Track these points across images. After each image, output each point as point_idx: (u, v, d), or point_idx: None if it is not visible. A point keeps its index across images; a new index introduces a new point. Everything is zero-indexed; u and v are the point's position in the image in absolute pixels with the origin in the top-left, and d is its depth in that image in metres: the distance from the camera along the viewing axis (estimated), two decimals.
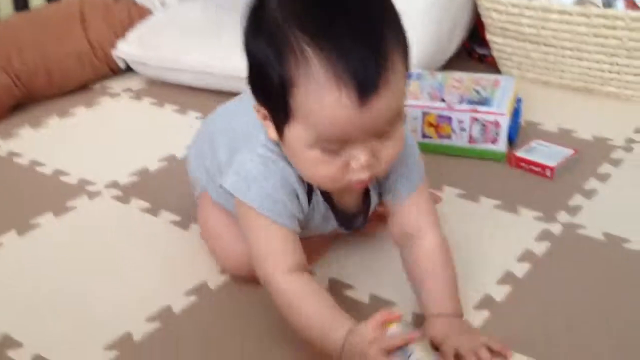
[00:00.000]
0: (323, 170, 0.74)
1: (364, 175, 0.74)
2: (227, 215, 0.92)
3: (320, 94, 0.68)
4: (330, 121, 0.70)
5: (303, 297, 0.77)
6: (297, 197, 0.81)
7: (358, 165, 0.73)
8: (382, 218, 0.92)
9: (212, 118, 1.02)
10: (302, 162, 0.76)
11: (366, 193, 0.87)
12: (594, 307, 0.87)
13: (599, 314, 0.85)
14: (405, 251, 0.86)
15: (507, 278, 0.91)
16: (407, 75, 0.75)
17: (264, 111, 0.76)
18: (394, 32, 0.72)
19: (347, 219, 0.88)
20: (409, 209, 0.86)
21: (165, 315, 0.87)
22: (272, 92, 0.71)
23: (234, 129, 0.90)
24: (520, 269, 0.93)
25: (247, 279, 0.89)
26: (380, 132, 0.73)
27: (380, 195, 0.88)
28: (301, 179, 0.80)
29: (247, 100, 0.84)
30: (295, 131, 0.73)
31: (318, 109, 0.69)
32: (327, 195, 0.84)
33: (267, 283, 0.79)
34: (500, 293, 0.89)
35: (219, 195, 0.92)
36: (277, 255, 0.79)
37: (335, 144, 0.72)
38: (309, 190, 0.82)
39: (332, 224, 0.88)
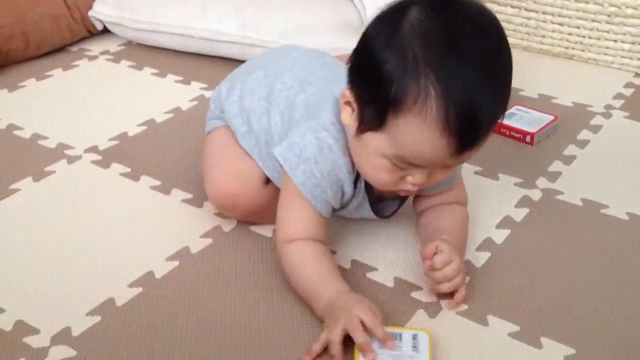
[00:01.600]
0: (383, 177, 0.77)
1: (414, 189, 0.78)
2: (228, 149, 0.94)
3: (424, 129, 0.69)
4: (419, 154, 0.72)
5: (307, 259, 0.81)
6: (342, 188, 0.83)
7: (415, 182, 0.77)
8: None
9: (282, 63, 0.96)
10: (366, 162, 0.78)
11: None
12: (572, 273, 0.88)
13: (577, 280, 0.87)
14: (429, 209, 0.91)
15: (487, 244, 0.93)
16: None
17: (351, 101, 0.75)
18: (508, 93, 0.74)
19: (380, 208, 0.89)
20: (445, 197, 0.90)
21: (147, 280, 0.87)
22: (378, 99, 0.71)
23: (299, 97, 0.88)
24: (500, 235, 0.94)
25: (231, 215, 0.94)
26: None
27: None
28: (352, 170, 0.82)
29: (327, 70, 0.88)
30: (378, 140, 0.74)
31: (413, 140, 0.71)
32: (369, 188, 0.85)
33: (280, 247, 0.84)
34: (479, 259, 0.90)
35: (245, 138, 0.93)
36: (299, 229, 0.83)
37: (407, 165, 0.74)
38: (356, 180, 0.84)
39: (364, 213, 0.89)
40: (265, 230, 0.95)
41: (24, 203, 1.02)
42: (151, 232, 0.95)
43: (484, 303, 0.83)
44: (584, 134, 1.18)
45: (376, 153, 0.75)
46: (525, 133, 1.15)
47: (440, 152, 0.71)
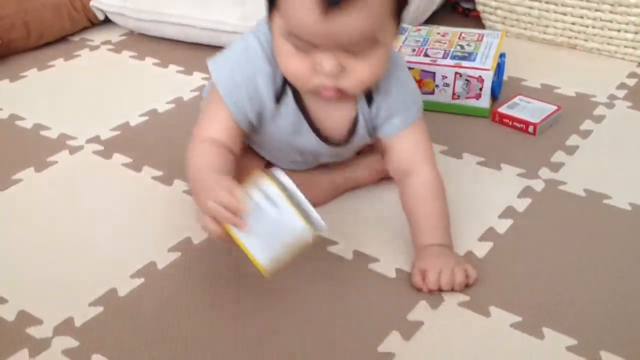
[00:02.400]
0: (293, 64, 0.79)
1: (328, 82, 0.78)
2: None
3: None
4: (298, 22, 0.75)
5: (206, 158, 0.82)
6: (261, 98, 0.84)
7: (322, 70, 0.77)
8: (385, 172, 0.95)
9: None
10: (278, 52, 0.81)
11: (355, 123, 0.89)
12: (574, 264, 0.88)
13: (579, 271, 0.87)
14: (401, 186, 0.90)
15: (489, 234, 0.93)
16: (397, 14, 0.79)
17: None
18: None
19: (326, 132, 0.89)
20: (403, 146, 0.89)
21: (149, 271, 0.87)
22: None
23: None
24: (502, 225, 0.94)
25: None
26: (346, 48, 0.76)
27: (373, 129, 0.90)
28: (275, 80, 0.84)
29: None
30: (276, 19, 0.79)
31: (290, 6, 0.75)
32: (301, 104, 0.86)
33: (191, 142, 0.86)
34: (482, 249, 0.90)
35: None
36: (211, 129, 0.85)
37: (303, 43, 0.77)
38: (281, 92, 0.85)
39: (309, 139, 0.88)
40: None
41: (26, 193, 1.02)
42: (153, 222, 0.96)
43: (486, 294, 0.83)
44: (587, 124, 1.17)
45: (279, 36, 0.79)
46: (527, 123, 1.14)
47: (312, 16, 0.73)
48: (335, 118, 0.88)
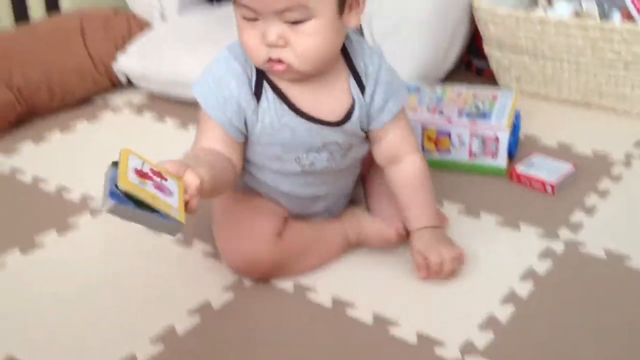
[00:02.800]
0: (246, 36, 0.86)
1: (274, 54, 0.85)
2: (232, 206, 0.97)
3: None
4: None
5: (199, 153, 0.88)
6: (238, 99, 0.89)
7: (267, 41, 0.84)
8: (402, 236, 0.98)
9: None
10: (238, 29, 0.87)
11: (351, 109, 0.93)
12: (598, 327, 0.87)
13: (603, 333, 0.86)
14: (390, 173, 0.98)
15: (511, 298, 0.92)
16: None
17: None
18: None
19: (320, 121, 0.91)
20: (393, 136, 0.96)
21: (168, 336, 0.87)
22: None
23: None
24: (524, 288, 0.94)
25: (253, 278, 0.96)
26: (284, 17, 0.83)
27: (368, 119, 0.94)
28: (250, 79, 0.89)
29: None
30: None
31: None
32: (281, 94, 0.90)
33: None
34: (504, 313, 0.89)
35: None
36: (208, 143, 0.90)
37: (247, 11, 0.84)
38: (259, 88, 0.89)
39: (297, 125, 0.90)
40: (286, 285, 0.95)
41: (48, 256, 1.03)
42: (173, 285, 0.96)
43: (510, 359, 0.82)
44: (605, 183, 1.17)
45: (236, 12, 0.86)
46: (545, 182, 1.15)
47: None
48: (327, 105, 0.92)
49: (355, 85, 0.92)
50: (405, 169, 0.97)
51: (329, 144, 0.93)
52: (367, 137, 0.97)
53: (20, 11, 1.68)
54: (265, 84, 0.90)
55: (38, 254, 1.03)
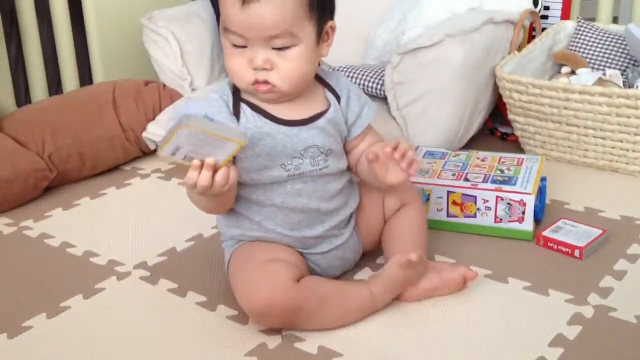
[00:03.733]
0: (233, 61, 0.96)
1: (260, 77, 0.95)
2: (246, 259, 1.00)
3: None
4: (226, 15, 0.94)
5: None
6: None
7: (255, 64, 0.94)
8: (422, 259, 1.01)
9: None
10: (225, 54, 0.98)
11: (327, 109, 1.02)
12: None
13: None
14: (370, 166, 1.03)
15: None
16: (311, 11, 0.94)
17: None
18: None
19: (295, 124, 1.00)
20: (367, 142, 1.07)
21: None
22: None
23: None
24: (554, 354, 0.91)
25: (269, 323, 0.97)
26: (272, 43, 0.93)
27: (349, 126, 1.05)
28: (227, 103, 0.99)
29: None
30: (221, 23, 0.97)
31: (222, 4, 0.95)
32: (258, 108, 0.99)
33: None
34: None
35: None
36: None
37: (236, 38, 0.94)
38: (237, 109, 0.99)
39: (274, 131, 0.98)
40: (310, 347, 0.94)
41: (74, 320, 1.03)
42: (196, 349, 0.95)
43: None
44: (633, 248, 1.15)
45: (223, 38, 0.96)
46: (573, 247, 1.13)
47: (235, 7, 0.92)
48: (305, 110, 1.01)
49: (331, 95, 1.04)
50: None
51: (309, 148, 1.00)
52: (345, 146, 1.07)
53: (54, 85, 1.75)
54: (242, 104, 1.00)
55: (64, 318, 1.04)
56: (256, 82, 0.96)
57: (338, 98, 1.04)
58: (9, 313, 1.05)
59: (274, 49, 0.94)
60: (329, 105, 1.03)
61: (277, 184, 1.00)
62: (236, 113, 0.99)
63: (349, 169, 1.09)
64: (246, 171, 1.00)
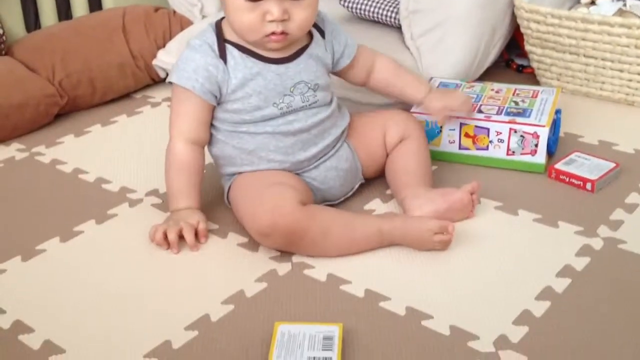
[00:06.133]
0: (245, 17, 0.95)
1: (277, 28, 0.95)
2: (249, 185, 1.03)
3: None
4: None
5: (176, 170, 1.04)
6: (206, 63, 0.99)
7: (272, 17, 0.94)
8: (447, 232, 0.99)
9: None
10: (231, 11, 0.96)
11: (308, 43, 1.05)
12: (635, 324, 0.85)
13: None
14: (372, 80, 1.16)
15: (547, 293, 0.91)
16: None
17: None
18: None
19: (283, 62, 1.02)
20: (361, 54, 1.13)
21: (203, 323, 0.88)
22: None
23: None
24: (561, 284, 0.92)
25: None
26: None
27: (337, 57, 1.10)
28: (212, 48, 1.00)
29: None
30: None
31: None
32: (244, 49, 1.01)
33: (169, 141, 1.05)
34: (539, 308, 0.88)
35: None
36: (182, 128, 1.03)
37: None
38: (223, 51, 1.00)
39: (272, 78, 1.01)
40: (319, 274, 0.95)
41: (88, 245, 1.05)
42: (207, 275, 0.97)
43: (543, 355, 0.81)
44: None
45: None
46: (585, 180, 1.13)
47: None
48: (289, 48, 1.02)
49: (315, 31, 1.06)
50: (383, 62, 1.15)
51: (298, 85, 1.02)
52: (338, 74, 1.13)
53: (63, 11, 1.72)
54: (228, 46, 1.01)
55: (77, 242, 1.05)
56: (272, 34, 0.96)
57: (322, 33, 1.07)
58: (22, 237, 1.07)
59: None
60: (311, 39, 1.05)
61: (270, 119, 1.03)
62: (222, 56, 1.00)
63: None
64: (238, 112, 1.02)
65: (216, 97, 1.01)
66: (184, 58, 1.01)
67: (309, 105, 1.04)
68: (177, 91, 1.02)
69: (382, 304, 0.90)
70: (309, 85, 1.03)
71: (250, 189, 1.01)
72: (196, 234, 1.01)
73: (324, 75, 1.07)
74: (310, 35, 1.05)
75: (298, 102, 1.03)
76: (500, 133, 1.18)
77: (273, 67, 1.01)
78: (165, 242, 1.01)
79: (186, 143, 1.03)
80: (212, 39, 1.01)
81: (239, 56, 1.00)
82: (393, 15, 1.47)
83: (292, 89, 1.02)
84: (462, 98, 1.17)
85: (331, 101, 1.08)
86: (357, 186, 1.12)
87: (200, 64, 1.00)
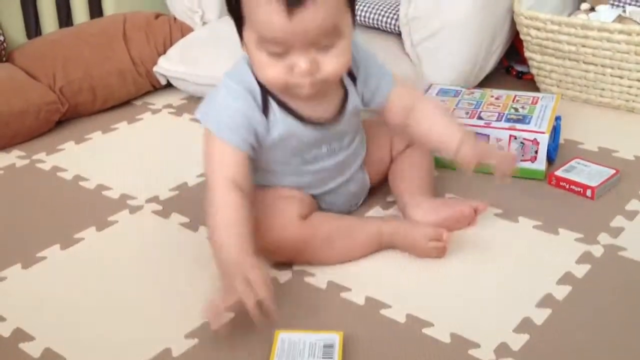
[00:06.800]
0: (270, 71, 0.87)
1: (305, 80, 0.87)
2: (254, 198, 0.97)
3: (257, 1, 0.83)
4: (266, 25, 0.83)
5: (225, 224, 0.89)
6: (247, 115, 0.92)
7: (299, 70, 0.86)
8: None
9: None
10: (255, 65, 0.89)
11: (344, 99, 0.98)
12: (636, 331, 0.85)
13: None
14: (411, 117, 1.02)
15: (547, 301, 0.91)
16: (350, 5, 0.88)
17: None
18: None
19: (324, 125, 0.96)
20: (400, 93, 1.02)
21: (203, 331, 0.88)
22: (232, 2, 0.86)
23: None
24: (561, 292, 0.92)
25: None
26: (316, 44, 0.85)
27: (367, 101, 1.01)
28: (255, 99, 0.92)
29: None
30: (247, 34, 0.87)
31: (257, 12, 0.83)
32: (286, 107, 0.94)
33: (209, 192, 0.92)
34: (540, 316, 0.88)
35: None
36: (223, 172, 0.91)
37: (276, 47, 0.85)
38: (265, 106, 0.93)
39: (304, 131, 0.95)
40: (319, 282, 0.95)
41: (88, 252, 1.05)
42: (208, 283, 0.96)
43: None
44: None
45: (253, 48, 0.87)
46: (585, 187, 1.13)
47: (280, 17, 0.82)
48: (324, 105, 0.96)
49: (347, 77, 0.97)
50: (424, 106, 1.03)
51: (332, 141, 0.99)
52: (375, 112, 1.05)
53: (64, 18, 1.73)
54: (271, 100, 0.93)
55: (77, 250, 1.05)
56: (298, 85, 0.89)
57: (354, 79, 0.98)
58: (23, 244, 1.07)
59: (317, 49, 0.86)
60: (345, 92, 0.98)
61: (292, 165, 1.00)
62: (265, 109, 0.93)
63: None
64: (263, 161, 0.98)
65: (254, 148, 0.95)
66: (223, 104, 0.92)
67: (334, 151, 1.01)
68: (216, 141, 0.93)
69: (382, 311, 0.90)
70: (342, 137, 1.00)
71: (255, 203, 0.98)
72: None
73: (358, 121, 1.03)
74: (344, 86, 0.98)
75: (324, 152, 0.99)
76: (500, 140, 1.18)
77: (310, 129, 0.96)
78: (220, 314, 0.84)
79: (230, 192, 0.91)
80: (253, 85, 0.92)
81: (279, 112, 0.93)
82: (393, 22, 1.47)
83: (321, 145, 0.98)
84: (500, 155, 1.01)
85: (356, 137, 1.04)
86: (361, 201, 1.11)
87: (244, 114, 0.92)
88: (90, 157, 1.33)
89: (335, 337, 0.82)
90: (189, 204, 1.15)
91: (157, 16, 1.62)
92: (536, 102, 1.25)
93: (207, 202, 0.91)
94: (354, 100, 0.98)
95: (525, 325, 0.86)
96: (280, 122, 0.94)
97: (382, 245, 1.00)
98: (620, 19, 1.42)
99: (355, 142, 1.04)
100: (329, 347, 0.81)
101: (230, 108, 0.92)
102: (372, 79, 1.00)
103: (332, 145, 0.99)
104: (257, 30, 0.85)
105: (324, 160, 1.01)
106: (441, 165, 1.21)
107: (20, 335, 0.88)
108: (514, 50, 1.58)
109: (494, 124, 1.19)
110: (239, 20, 0.89)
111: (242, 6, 0.86)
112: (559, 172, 1.16)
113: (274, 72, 0.87)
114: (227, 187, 0.91)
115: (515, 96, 1.28)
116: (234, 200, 0.90)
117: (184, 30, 1.61)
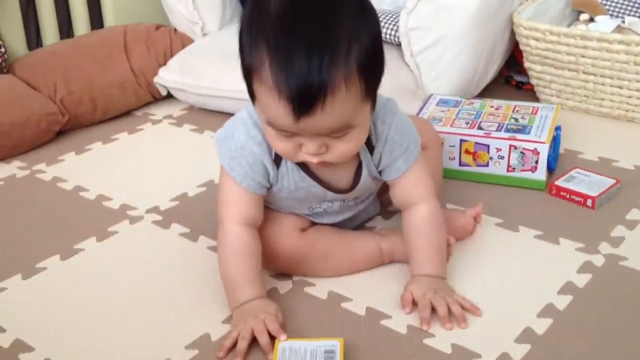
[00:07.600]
0: (279, 146, 0.85)
1: (314, 160, 0.85)
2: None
3: (267, 94, 0.79)
4: (274, 119, 0.81)
5: (236, 254, 0.90)
6: (261, 162, 0.90)
7: (307, 151, 0.84)
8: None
9: None
10: (265, 133, 0.87)
11: (358, 170, 0.94)
12: (638, 340, 0.85)
13: None
14: (404, 216, 0.96)
15: (549, 311, 0.90)
16: (369, 94, 0.82)
17: None
18: (351, 51, 0.78)
19: (331, 183, 0.94)
20: (407, 183, 0.95)
21: (203, 342, 0.87)
22: (244, 74, 0.83)
23: None
24: (562, 302, 0.92)
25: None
26: (326, 135, 0.82)
27: (378, 174, 0.95)
28: (270, 149, 0.90)
29: None
30: (259, 111, 0.85)
31: (266, 104, 0.81)
32: (311, 172, 0.92)
33: (220, 225, 0.93)
34: (541, 326, 0.88)
35: None
36: (229, 209, 0.92)
37: (284, 132, 0.82)
38: (279, 157, 0.90)
39: (316, 189, 0.93)
40: (320, 292, 0.95)
41: (88, 262, 1.05)
42: (208, 294, 0.96)
43: None
44: None
45: (263, 122, 0.85)
46: (586, 197, 1.13)
47: (286, 116, 0.79)
48: (339, 172, 0.93)
49: (365, 148, 0.92)
50: (415, 214, 0.94)
51: (339, 197, 0.96)
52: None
53: (65, 29, 1.73)
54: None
55: (78, 260, 1.05)
56: (306, 160, 0.86)
57: (372, 149, 0.92)
58: (23, 254, 1.07)
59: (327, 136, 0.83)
60: (360, 164, 0.93)
61: (297, 210, 0.98)
62: (276, 160, 0.91)
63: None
64: (273, 202, 0.98)
65: (268, 188, 0.94)
66: (239, 144, 0.90)
67: (347, 207, 0.99)
68: (230, 181, 0.92)
69: (383, 322, 0.89)
70: (357, 198, 0.99)
71: None
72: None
73: (378, 184, 1.00)
74: (358, 155, 0.93)
75: (336, 207, 0.98)
76: (500, 150, 1.18)
77: (320, 187, 0.93)
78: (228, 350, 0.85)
79: (242, 226, 0.92)
80: (263, 151, 0.90)
81: (291, 166, 0.91)
82: (392, 32, 1.48)
83: (335, 201, 0.97)
84: (447, 301, 0.89)
85: (370, 194, 1.02)
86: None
87: (257, 159, 0.90)
88: (91, 167, 1.33)
89: (336, 344, 0.82)
90: (189, 215, 1.15)
91: (158, 27, 1.62)
92: (536, 112, 1.25)
93: (218, 236, 0.93)
94: (369, 170, 0.94)
95: (526, 335, 0.86)
96: (291, 174, 0.92)
97: (383, 262, 0.99)
98: (619, 29, 1.43)
99: (370, 198, 1.03)
100: (330, 352, 0.81)
101: (246, 149, 0.90)
102: (387, 154, 0.93)
103: (346, 201, 0.98)
104: (265, 115, 0.83)
105: (334, 216, 1.00)
106: (445, 175, 1.21)
107: (20, 346, 0.88)
108: (514, 60, 1.58)
109: (494, 134, 1.19)
110: (250, 93, 0.84)
111: (254, 86, 0.82)
112: (559, 182, 1.16)
113: (282, 146, 0.85)
114: (238, 223, 0.91)
115: (515, 106, 1.28)
116: (245, 233, 0.91)
117: (185, 41, 1.61)
